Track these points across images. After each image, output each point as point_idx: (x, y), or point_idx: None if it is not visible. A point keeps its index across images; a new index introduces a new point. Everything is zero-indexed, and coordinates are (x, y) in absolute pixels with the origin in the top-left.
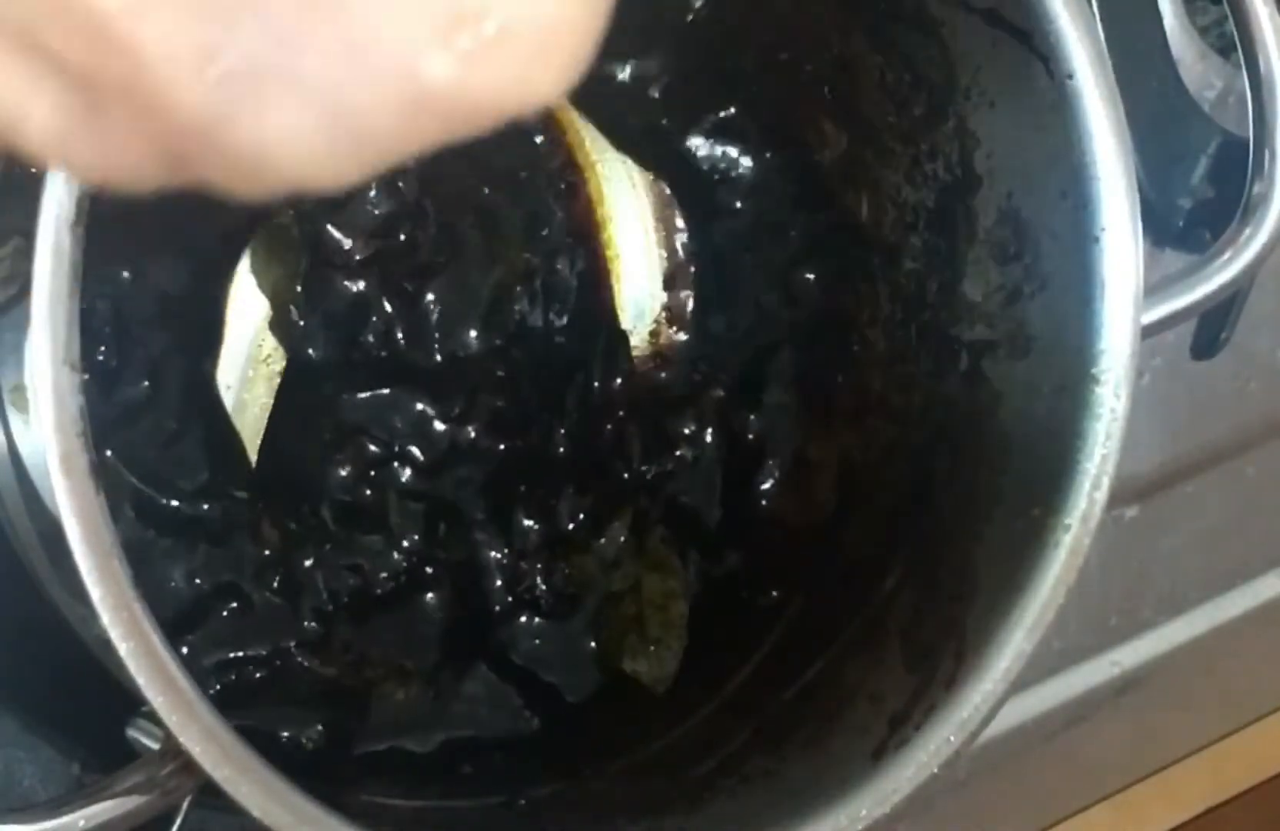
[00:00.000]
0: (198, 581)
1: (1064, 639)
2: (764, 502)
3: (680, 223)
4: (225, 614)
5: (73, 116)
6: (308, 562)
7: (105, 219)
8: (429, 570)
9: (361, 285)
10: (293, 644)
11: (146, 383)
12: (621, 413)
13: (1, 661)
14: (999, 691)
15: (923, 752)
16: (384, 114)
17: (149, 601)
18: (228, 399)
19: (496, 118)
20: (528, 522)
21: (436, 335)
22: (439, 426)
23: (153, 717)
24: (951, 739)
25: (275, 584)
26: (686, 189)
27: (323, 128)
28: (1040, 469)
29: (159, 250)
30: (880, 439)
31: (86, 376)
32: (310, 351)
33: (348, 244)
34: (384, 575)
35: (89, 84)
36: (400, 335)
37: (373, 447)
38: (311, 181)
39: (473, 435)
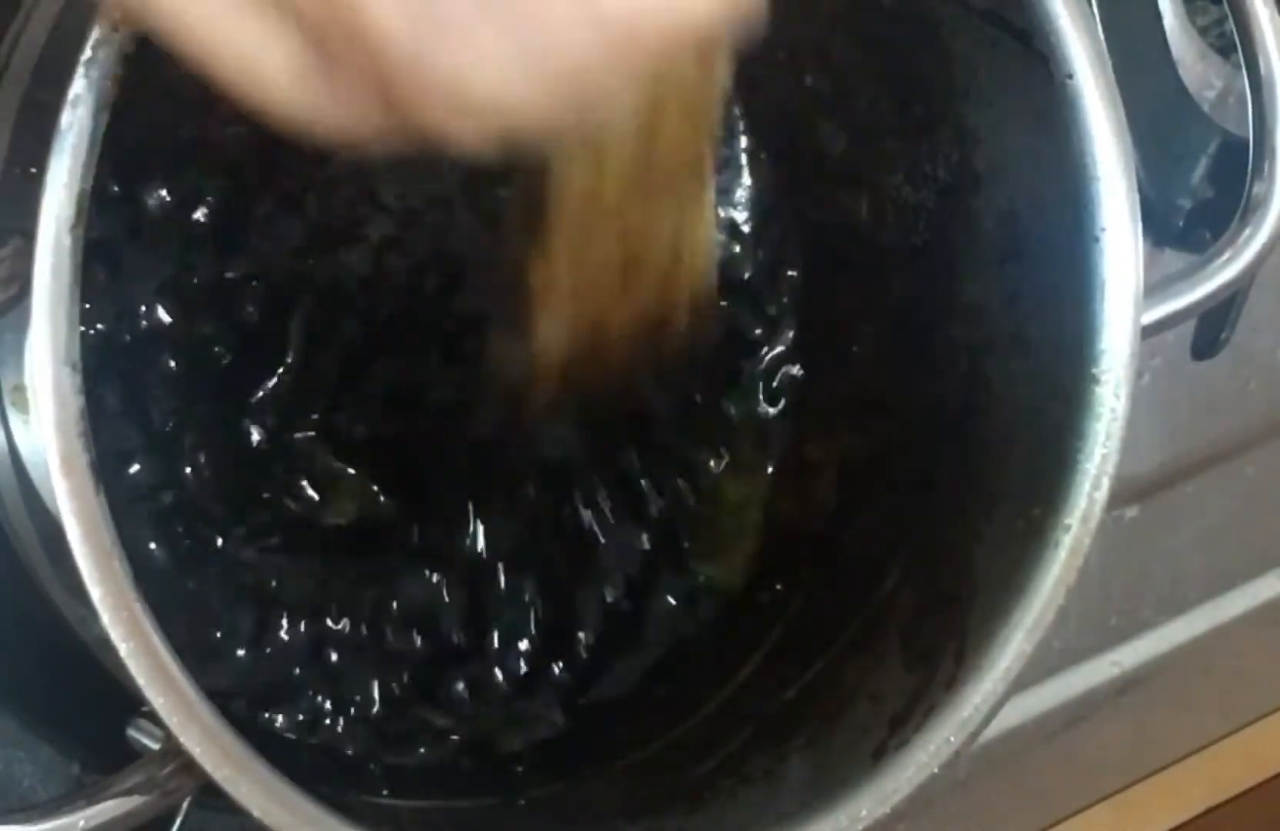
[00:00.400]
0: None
1: (1064, 639)
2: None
3: None
4: None
5: (305, 65)
6: None
7: None
8: None
9: None
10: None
11: None
12: None
13: (1, 661)
14: (999, 692)
15: (923, 753)
16: (570, 41)
17: None
18: None
19: (679, 40)
20: None
21: None
22: None
23: (153, 718)
24: (952, 739)
25: None
26: None
27: (516, 56)
28: (1040, 469)
29: None
30: (880, 439)
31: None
32: None
33: None
34: None
35: (318, 32)
36: None
37: None
38: (512, 113)
39: None
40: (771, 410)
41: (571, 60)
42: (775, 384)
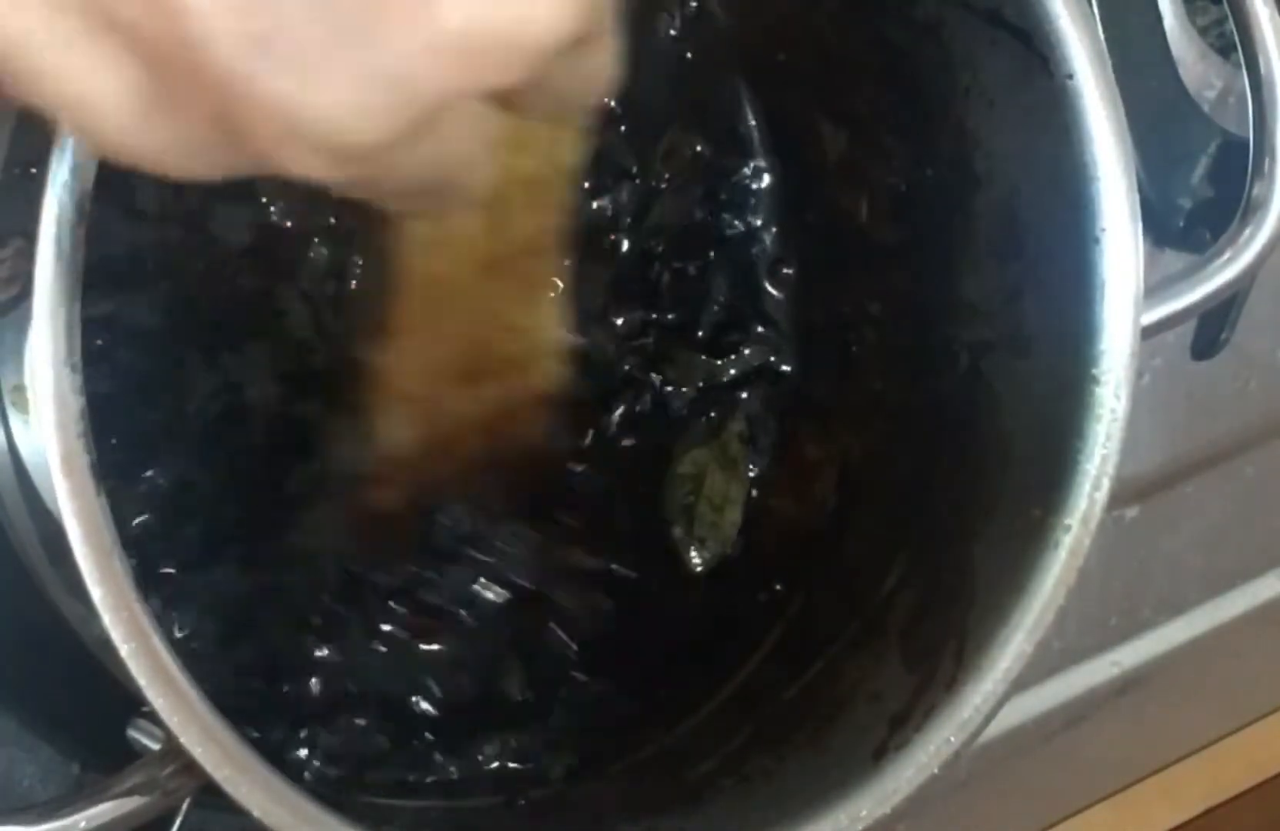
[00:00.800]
0: None
1: (1064, 639)
2: (754, 493)
3: None
4: None
5: (140, 96)
6: None
7: None
8: None
9: None
10: None
11: None
12: None
13: (1, 661)
14: (999, 692)
15: (923, 753)
16: (406, 55)
17: None
18: None
19: (513, 57)
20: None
21: None
22: None
23: (153, 718)
24: (952, 739)
25: None
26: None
27: (349, 74)
28: (1040, 469)
29: None
30: (880, 439)
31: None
32: None
33: None
34: None
35: (156, 60)
36: None
37: None
38: (352, 137)
39: None
40: (759, 407)
41: (408, 77)
42: (766, 382)
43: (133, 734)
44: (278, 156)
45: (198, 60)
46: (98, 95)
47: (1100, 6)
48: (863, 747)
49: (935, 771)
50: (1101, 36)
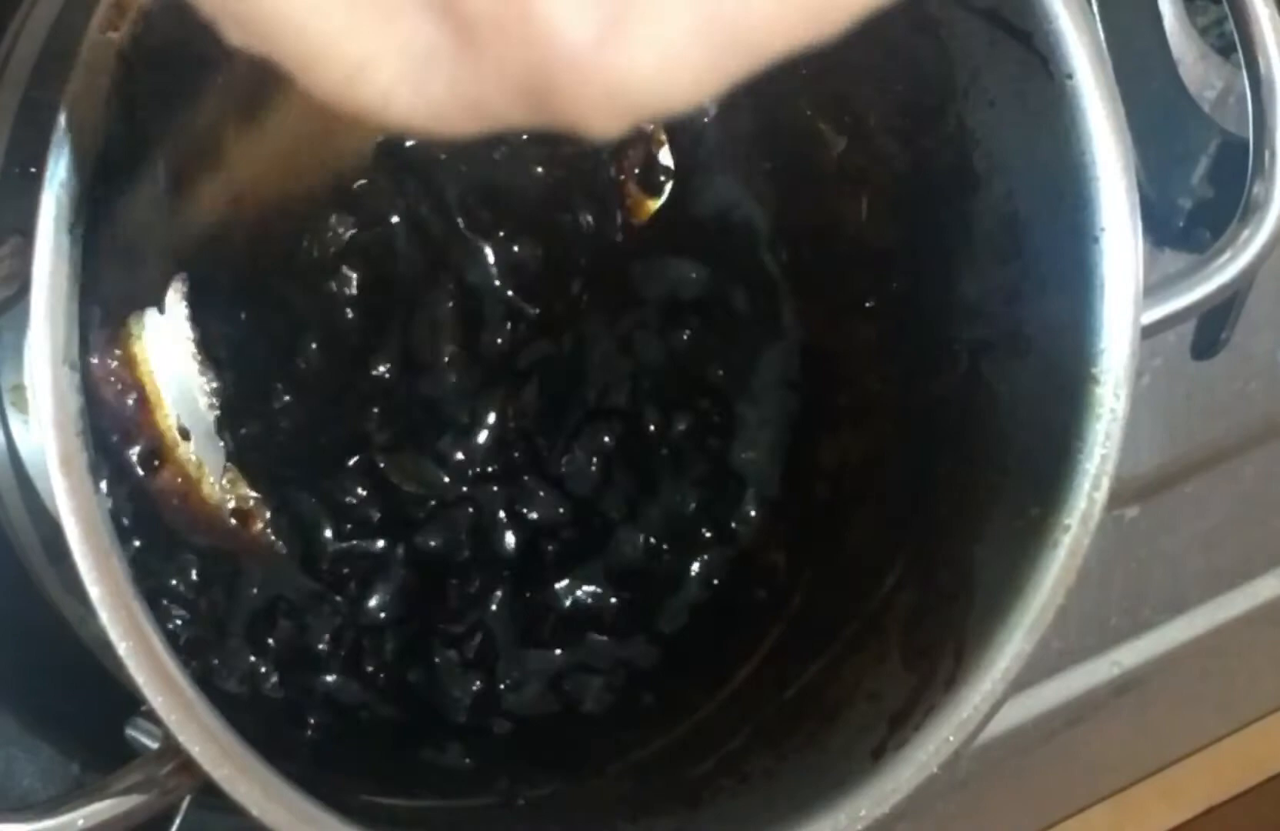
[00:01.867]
0: None
1: (1064, 639)
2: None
3: None
4: None
5: (431, 51)
6: None
7: None
8: None
9: None
10: None
11: None
12: None
13: (1, 660)
14: (999, 691)
15: (922, 752)
16: (753, 7)
17: None
18: None
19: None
20: None
21: None
22: None
23: (152, 717)
24: (951, 739)
25: None
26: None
27: (697, 35)
28: (1040, 469)
29: None
30: (880, 439)
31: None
32: None
33: None
34: None
35: (462, 23)
36: None
37: None
38: (674, 100)
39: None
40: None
41: (754, 25)
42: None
43: (131, 733)
44: (583, 122)
45: (532, 21)
46: (382, 56)
47: (1100, 6)
48: (862, 747)
49: (935, 771)
50: (1101, 36)
